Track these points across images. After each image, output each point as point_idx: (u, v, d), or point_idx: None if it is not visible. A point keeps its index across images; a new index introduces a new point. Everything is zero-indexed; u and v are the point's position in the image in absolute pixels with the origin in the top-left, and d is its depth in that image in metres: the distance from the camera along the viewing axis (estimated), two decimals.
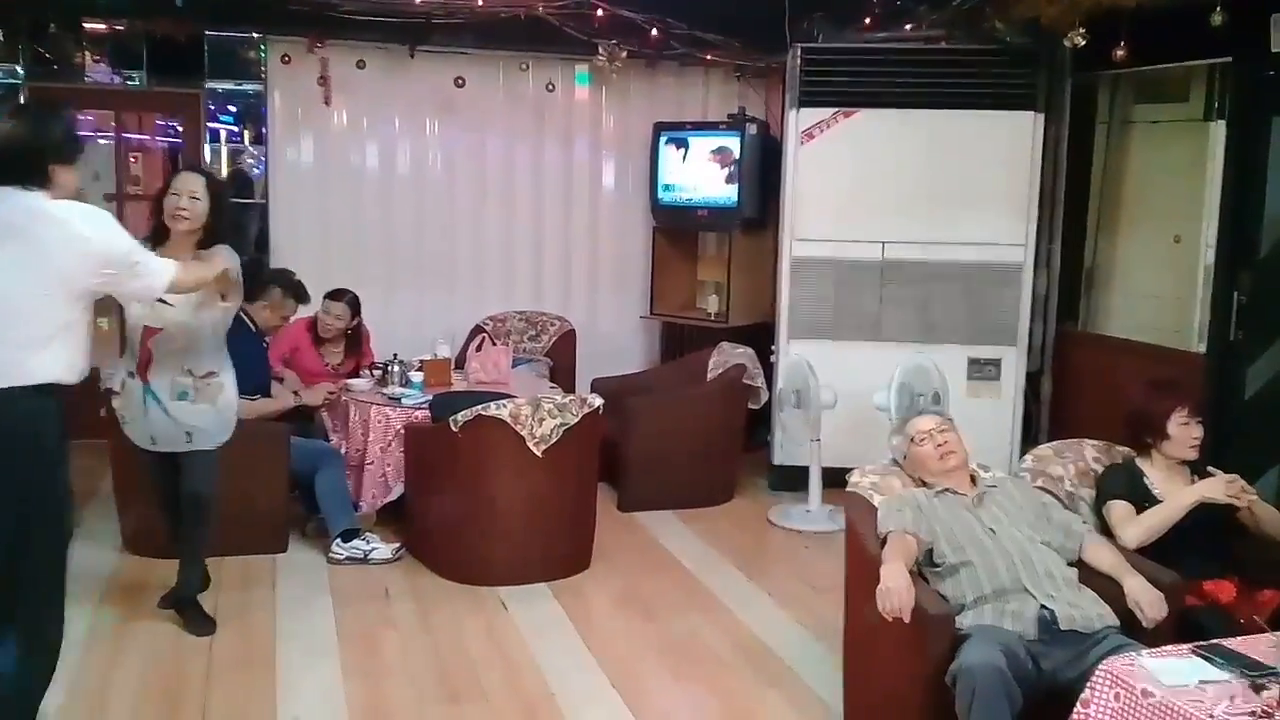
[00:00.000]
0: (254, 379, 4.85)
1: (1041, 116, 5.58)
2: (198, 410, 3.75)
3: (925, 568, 3.11)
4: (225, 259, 3.62)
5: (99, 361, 4.89)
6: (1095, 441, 3.64)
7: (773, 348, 5.91)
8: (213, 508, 3.93)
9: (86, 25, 6.39)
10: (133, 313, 3.68)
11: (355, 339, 5.57)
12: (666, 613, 4.27)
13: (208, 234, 3.67)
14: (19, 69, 6.36)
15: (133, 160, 7.06)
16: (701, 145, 6.51)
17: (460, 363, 5.78)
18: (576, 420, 4.45)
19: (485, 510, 4.45)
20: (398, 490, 4.85)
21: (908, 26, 5.79)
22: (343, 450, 4.96)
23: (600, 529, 4.85)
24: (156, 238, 3.62)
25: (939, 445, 3.32)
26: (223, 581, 4.38)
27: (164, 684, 3.56)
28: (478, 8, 6.02)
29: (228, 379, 3.85)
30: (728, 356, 5.77)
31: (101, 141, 7.28)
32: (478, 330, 6.40)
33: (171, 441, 3.80)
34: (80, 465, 5.45)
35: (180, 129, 7.01)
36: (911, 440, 3.40)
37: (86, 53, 6.60)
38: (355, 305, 5.49)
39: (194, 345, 3.72)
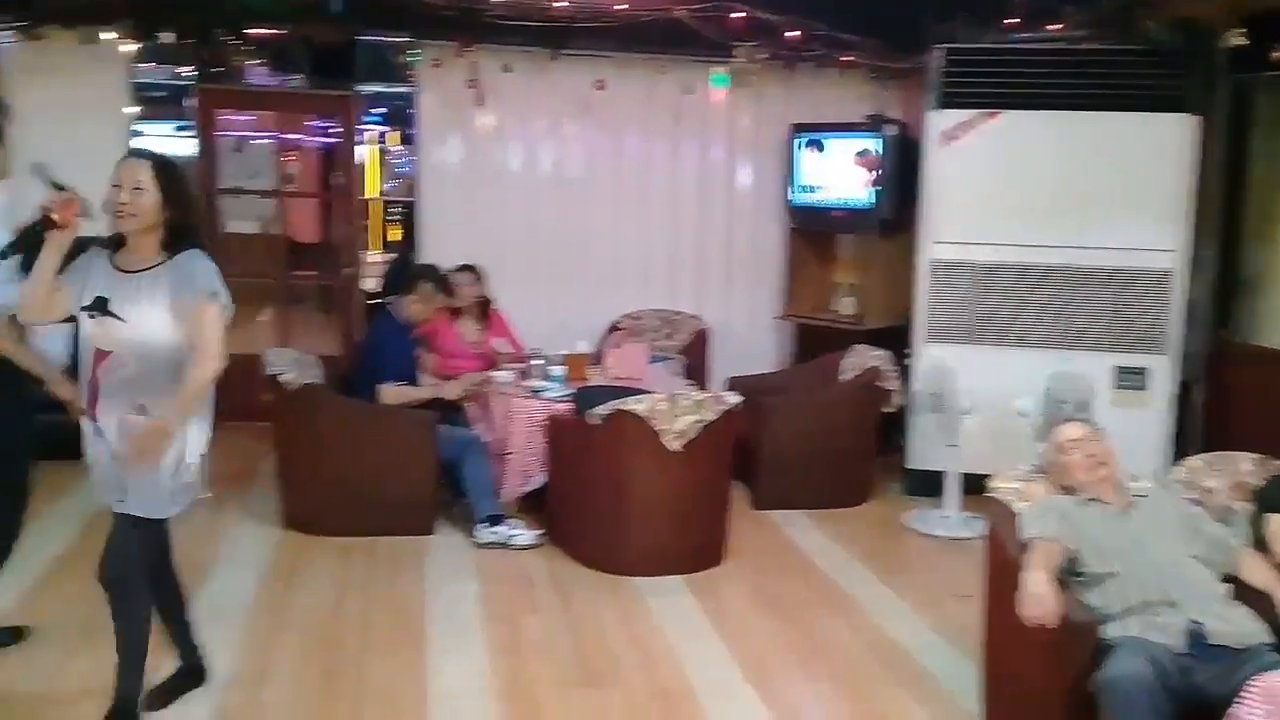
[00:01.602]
0: (400, 368, 5.09)
1: (1195, 119, 5.41)
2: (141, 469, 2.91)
3: (1068, 577, 3.09)
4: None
5: (262, 349, 5.26)
6: (1251, 455, 3.54)
7: (907, 351, 5.88)
8: (132, 598, 3.04)
9: (249, 30, 6.74)
10: (83, 331, 2.97)
11: (485, 311, 5.81)
12: (800, 612, 4.31)
13: (170, 232, 2.95)
14: (189, 72, 6.74)
15: (289, 159, 7.42)
16: (840, 146, 6.51)
17: (598, 359, 5.92)
18: (714, 417, 4.53)
19: (622, 502, 4.57)
20: (538, 480, 5.00)
21: (1053, 26, 5.69)
22: (486, 439, 5.15)
23: (733, 526, 4.92)
24: (114, 243, 2.96)
25: (1089, 455, 3.28)
26: (378, 560, 4.60)
27: (321, 656, 3.76)
28: (619, 12, 6.15)
29: (191, 427, 2.98)
30: (862, 358, 5.77)
31: (261, 141, 7.69)
32: (615, 328, 6.53)
33: (107, 493, 3.02)
34: (243, 447, 5.90)
35: (333, 129, 7.33)
36: (1059, 448, 3.37)
37: (249, 57, 6.96)
38: (478, 273, 5.80)
39: (150, 373, 2.93)
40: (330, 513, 4.81)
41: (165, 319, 2.91)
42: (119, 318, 2.89)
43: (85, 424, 3.01)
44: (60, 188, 2.87)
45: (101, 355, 2.93)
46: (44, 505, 5.01)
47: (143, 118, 6.51)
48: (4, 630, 3.70)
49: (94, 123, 6.20)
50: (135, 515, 2.99)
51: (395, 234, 9.45)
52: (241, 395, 6.15)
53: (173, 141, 8.56)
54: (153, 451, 2.87)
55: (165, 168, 2.97)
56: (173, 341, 2.93)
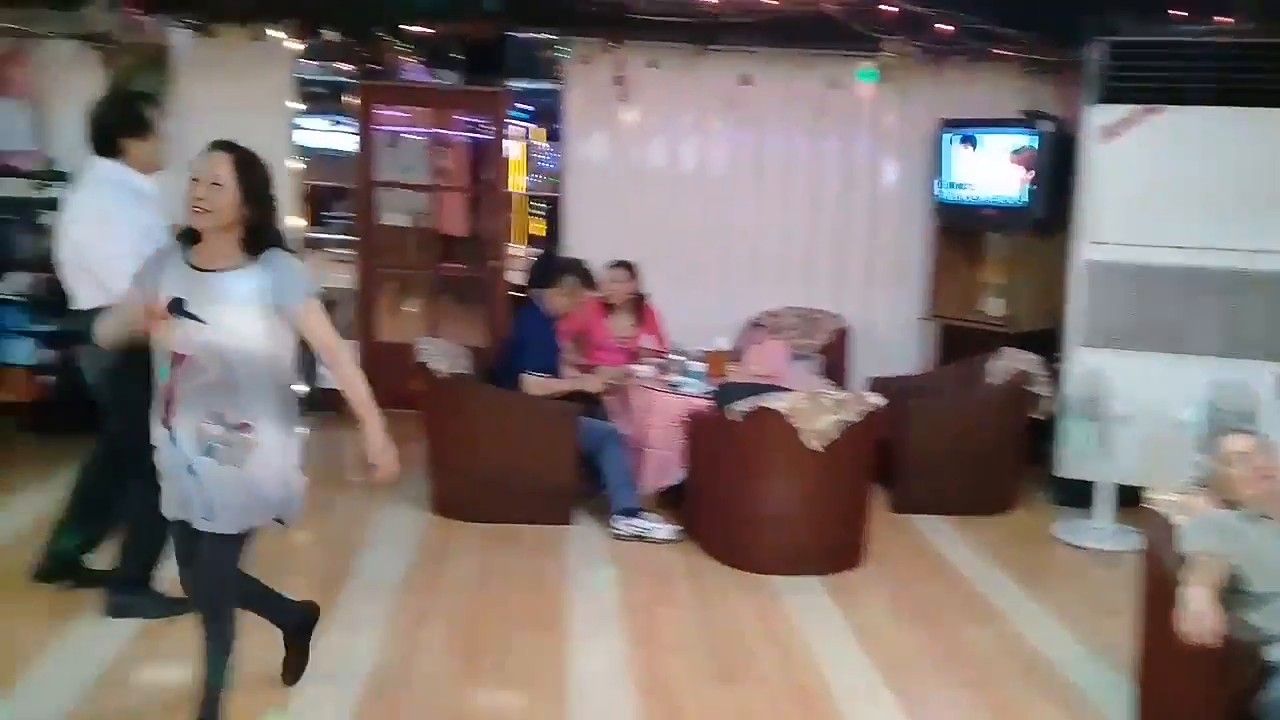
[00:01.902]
0: (543, 359, 5.19)
1: None
2: (221, 476, 2.81)
3: (1230, 595, 2.95)
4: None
5: (413, 338, 5.44)
6: None
7: (1058, 355, 5.70)
8: (227, 619, 2.95)
9: (407, 28, 6.96)
10: (156, 334, 2.82)
11: (640, 307, 5.86)
12: (941, 618, 4.24)
13: (249, 232, 2.78)
14: (348, 69, 7.00)
15: (442, 154, 7.64)
16: (993, 143, 6.34)
17: (737, 356, 5.92)
18: (856, 418, 4.49)
19: (760, 500, 4.56)
20: (676, 475, 5.04)
21: (1222, 19, 5.42)
22: (625, 433, 5.21)
23: (872, 529, 4.86)
24: (187, 238, 2.81)
25: (1256, 468, 3.13)
26: (520, 547, 4.72)
27: (465, 636, 3.88)
28: (767, 6, 6.12)
29: (273, 437, 2.84)
30: (1011, 362, 5.61)
31: (414, 136, 7.94)
32: (754, 324, 6.51)
33: (187, 509, 2.88)
34: (393, 433, 6.06)
35: (483, 125, 7.52)
36: (1224, 460, 3.23)
37: (406, 53, 7.19)
38: (633, 270, 5.84)
39: (230, 379, 2.78)
40: (476, 499, 4.95)
41: (251, 322, 2.76)
42: (198, 319, 2.73)
43: (159, 432, 2.84)
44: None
45: (179, 359, 2.76)
46: None
47: (303, 113, 6.79)
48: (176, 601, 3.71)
49: (258, 118, 6.46)
50: (221, 533, 2.85)
51: (538, 228, 9.63)
52: (392, 383, 6.42)
53: (331, 136, 8.94)
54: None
55: (247, 162, 2.80)
56: (257, 345, 2.77)
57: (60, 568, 3.96)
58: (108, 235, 3.55)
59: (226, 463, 2.78)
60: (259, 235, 2.79)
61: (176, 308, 2.73)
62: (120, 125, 3.68)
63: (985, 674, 3.78)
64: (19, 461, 5.52)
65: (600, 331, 5.78)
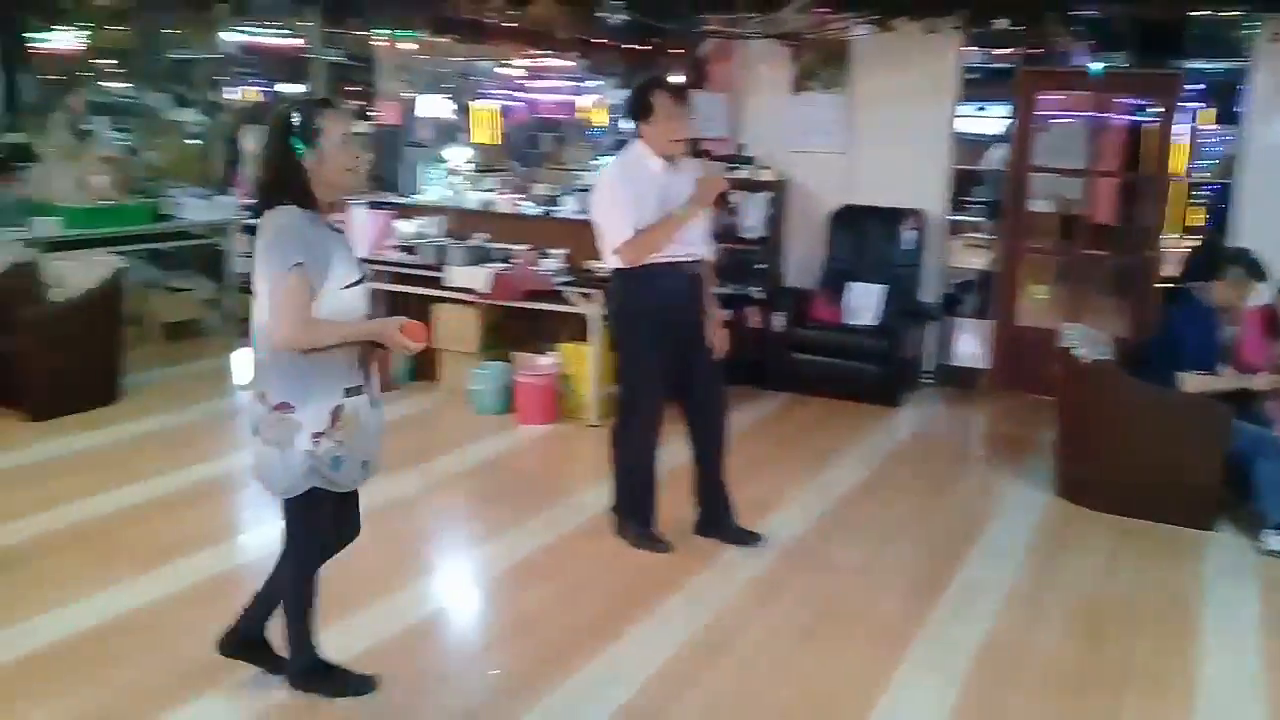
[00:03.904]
0: (1201, 356, 4.90)
1: None
2: (264, 453, 2.88)
3: None
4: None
5: (1052, 323, 5.46)
6: None
7: None
8: (293, 569, 3.05)
9: (1077, 12, 6.88)
10: (342, 305, 2.85)
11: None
12: None
13: (260, 189, 2.86)
14: (1011, 54, 7.10)
15: (1099, 139, 7.44)
16: None
17: None
18: None
19: None
20: None
21: None
22: None
23: None
24: (306, 204, 2.82)
25: None
26: (1151, 545, 4.59)
27: (1085, 625, 3.88)
28: None
29: (312, 416, 2.84)
30: None
31: (1069, 121, 7.83)
32: None
33: (375, 465, 3.07)
34: (1024, 415, 6.22)
35: (1149, 108, 7.18)
36: None
37: (1074, 38, 7.11)
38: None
39: (274, 360, 2.83)
40: (1105, 490, 4.88)
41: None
42: (370, 278, 3.02)
43: (362, 401, 2.91)
44: None
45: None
46: (844, 443, 5.86)
47: (964, 99, 7.02)
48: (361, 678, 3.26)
49: (923, 107, 6.87)
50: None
51: (1196, 217, 8.97)
52: (1027, 367, 6.50)
53: (983, 122, 9.12)
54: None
55: (273, 119, 2.88)
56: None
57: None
58: (598, 202, 4.15)
59: (268, 444, 2.88)
60: (264, 192, 2.88)
61: (365, 275, 2.96)
62: (631, 111, 4.16)
63: None
64: None
65: (1254, 348, 5.26)
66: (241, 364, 6.41)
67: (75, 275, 5.93)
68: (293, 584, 3.04)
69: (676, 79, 4.44)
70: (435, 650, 3.55)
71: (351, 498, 3.07)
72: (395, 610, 3.74)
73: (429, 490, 4.97)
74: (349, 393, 2.86)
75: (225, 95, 10.44)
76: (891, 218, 6.90)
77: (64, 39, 10.23)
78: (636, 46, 8.86)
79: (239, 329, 7.78)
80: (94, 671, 3.23)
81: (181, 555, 4.06)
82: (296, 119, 2.77)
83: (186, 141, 9.72)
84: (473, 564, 4.29)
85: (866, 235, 6.94)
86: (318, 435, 2.82)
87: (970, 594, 4.07)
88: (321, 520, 2.98)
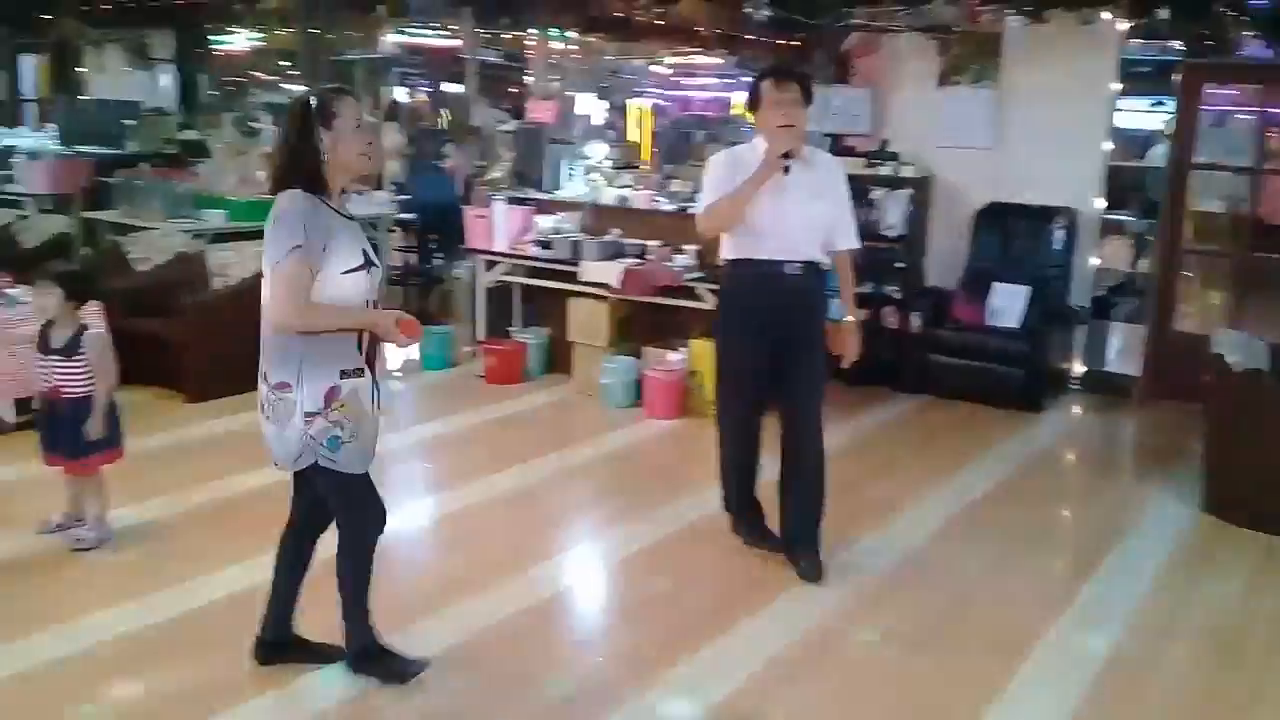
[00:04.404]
0: None
1: None
2: (268, 430, 2.98)
3: None
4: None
5: (1211, 329, 5.15)
6: None
7: None
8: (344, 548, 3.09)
9: (1251, 2, 6.48)
10: (343, 289, 2.89)
11: None
12: None
13: (273, 172, 2.94)
14: (1178, 46, 6.74)
15: (1273, 136, 7.00)
16: None
17: None
18: None
19: None
20: None
21: None
22: None
23: None
24: (313, 188, 2.87)
25: None
26: None
27: (1221, 645, 3.68)
28: None
29: (308, 396, 2.87)
30: None
31: (1244, 116, 7.38)
32: None
33: (376, 449, 3.07)
34: (1173, 423, 5.91)
35: None
36: None
37: (1244, 29, 6.70)
38: None
39: (274, 341, 2.92)
40: (1257, 505, 4.60)
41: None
42: (379, 265, 2.97)
43: (362, 384, 2.93)
44: None
45: (373, 307, 2.97)
46: (979, 448, 5.69)
47: (1123, 94, 6.71)
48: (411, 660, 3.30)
49: (1078, 100, 6.60)
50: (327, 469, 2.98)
51: None
52: (1181, 374, 6.17)
53: (1145, 117, 8.68)
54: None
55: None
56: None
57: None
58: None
59: (272, 422, 2.96)
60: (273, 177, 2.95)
61: (371, 260, 2.94)
62: (747, 104, 4.01)
63: None
64: None
65: None
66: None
67: (236, 265, 6.28)
68: (354, 564, 3.09)
69: (785, 67, 4.17)
70: (545, 635, 3.62)
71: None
72: (513, 593, 3.83)
73: (555, 479, 5.07)
74: (346, 375, 2.89)
75: (387, 95, 10.89)
76: (1040, 216, 6.67)
77: (238, 41, 10.85)
78: (782, 41, 8.81)
79: None
80: (226, 637, 3.42)
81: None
82: (314, 103, 2.85)
83: None
84: (590, 553, 4.36)
85: (1013, 234, 6.73)
86: (311, 415, 2.86)
87: (1098, 608, 3.91)
88: (367, 497, 3.03)
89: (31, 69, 11.97)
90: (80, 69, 10.82)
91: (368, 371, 2.95)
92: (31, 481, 4.40)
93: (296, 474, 3.05)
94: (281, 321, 2.83)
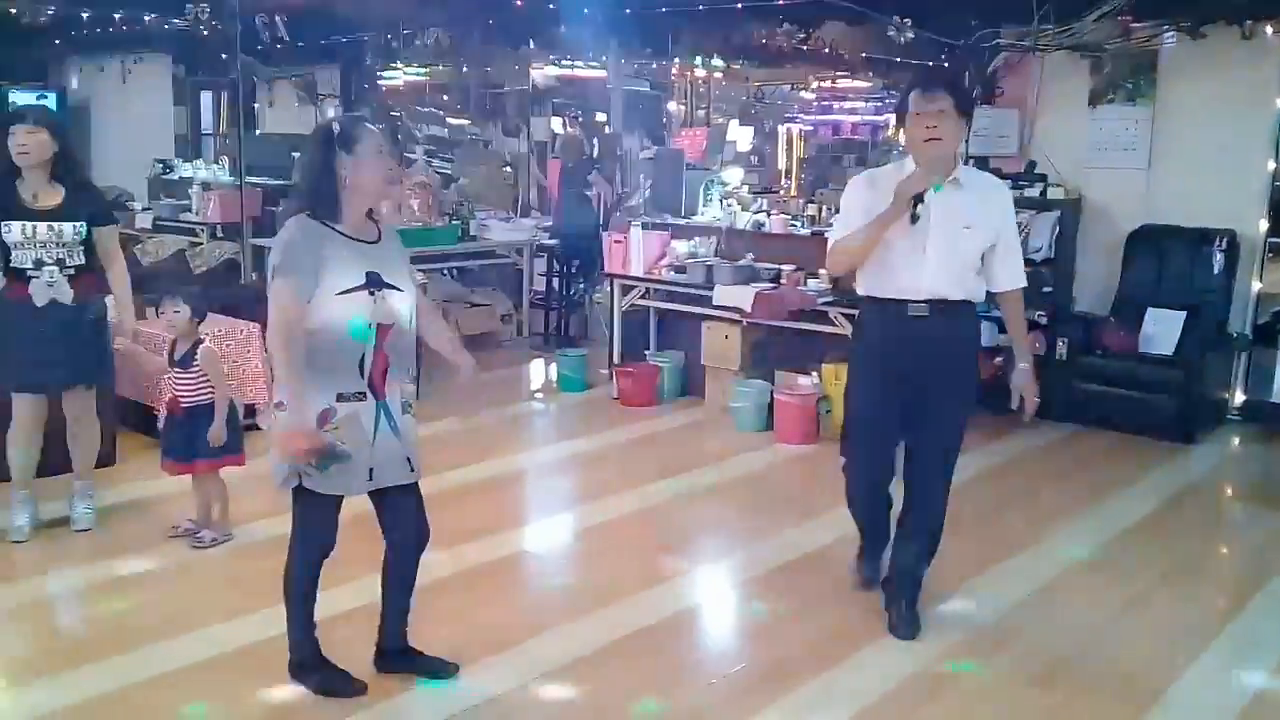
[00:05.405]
0: None
1: None
2: (414, 425, 3.14)
3: None
4: None
5: None
6: None
7: None
8: (289, 560, 3.20)
9: None
10: (341, 314, 2.90)
11: None
12: None
13: (290, 197, 3.12)
14: None
15: None
16: None
17: None
18: None
19: None
20: None
21: None
22: None
23: None
24: (324, 216, 3.02)
25: None
26: None
27: None
28: None
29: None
30: None
31: None
32: None
33: (393, 472, 3.07)
34: None
35: None
36: None
37: None
38: None
39: (409, 340, 3.11)
40: None
41: (411, 285, 3.09)
42: (396, 288, 3.00)
43: (363, 408, 2.95)
44: None
45: (384, 330, 2.96)
46: (1126, 479, 5.45)
47: None
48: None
49: (1236, 120, 6.30)
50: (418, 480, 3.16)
51: None
52: None
53: None
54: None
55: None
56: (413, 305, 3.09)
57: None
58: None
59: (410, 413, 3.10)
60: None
61: (377, 283, 2.96)
62: (896, 121, 3.68)
63: None
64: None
65: None
66: None
67: None
68: (288, 575, 3.15)
69: (936, 76, 3.81)
70: (661, 653, 3.65)
71: (405, 502, 3.13)
72: (632, 611, 3.88)
73: (682, 501, 5.11)
74: (344, 398, 2.93)
75: (537, 125, 11.20)
76: (1197, 238, 6.37)
77: (398, 77, 11.35)
78: (929, 63, 8.66)
79: (531, 341, 8.38)
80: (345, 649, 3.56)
81: (472, 539, 4.42)
82: (337, 129, 2.97)
83: (503, 169, 10.54)
84: (711, 574, 4.36)
85: (1167, 257, 6.45)
86: None
87: (1241, 648, 3.70)
88: (314, 518, 3.08)
89: (210, 105, 12.80)
90: (254, 104, 11.52)
91: (372, 396, 2.97)
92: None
93: (371, 494, 3.10)
94: (268, 343, 3.02)
